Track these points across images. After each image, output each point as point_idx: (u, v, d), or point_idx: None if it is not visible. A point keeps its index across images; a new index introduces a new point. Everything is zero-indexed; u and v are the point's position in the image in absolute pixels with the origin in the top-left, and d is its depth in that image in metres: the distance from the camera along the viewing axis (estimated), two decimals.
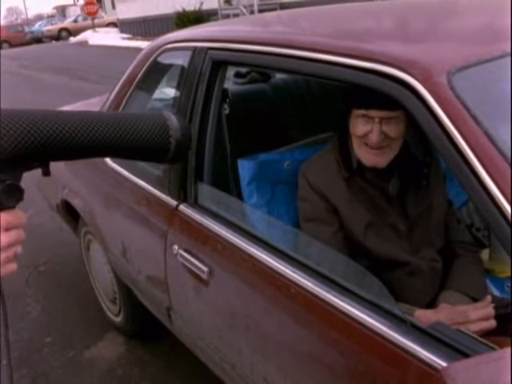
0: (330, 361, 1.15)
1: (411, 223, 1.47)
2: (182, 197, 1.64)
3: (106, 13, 29.13)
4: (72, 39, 24.64)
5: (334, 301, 1.12)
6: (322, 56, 1.19)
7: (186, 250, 1.55)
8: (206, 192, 1.59)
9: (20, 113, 0.77)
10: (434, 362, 0.92)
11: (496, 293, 1.56)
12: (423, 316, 1.21)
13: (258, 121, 1.88)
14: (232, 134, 1.77)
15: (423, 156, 1.52)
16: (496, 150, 0.90)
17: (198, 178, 1.59)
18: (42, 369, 2.33)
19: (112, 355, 2.37)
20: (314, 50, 1.22)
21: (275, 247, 1.31)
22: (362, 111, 1.35)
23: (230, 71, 2.00)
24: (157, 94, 2.11)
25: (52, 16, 42.47)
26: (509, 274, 1.58)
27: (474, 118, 0.93)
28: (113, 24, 25.49)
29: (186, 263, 1.53)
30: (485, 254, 1.72)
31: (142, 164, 1.86)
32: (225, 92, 1.71)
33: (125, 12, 21.54)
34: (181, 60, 1.80)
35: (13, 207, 0.74)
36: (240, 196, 1.65)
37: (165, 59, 1.95)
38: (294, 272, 1.22)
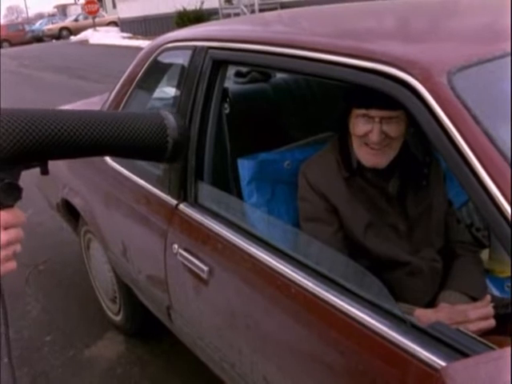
0: (329, 360, 1.15)
1: (411, 223, 1.47)
2: (182, 196, 1.64)
3: (106, 12, 29.15)
4: (73, 38, 24.63)
5: (334, 300, 1.12)
6: (323, 56, 1.19)
7: (185, 250, 1.55)
8: (206, 191, 1.59)
9: (19, 112, 0.77)
10: (434, 361, 0.92)
11: (496, 293, 1.56)
12: (423, 315, 1.21)
13: (259, 120, 1.88)
14: (232, 134, 1.77)
15: (423, 156, 1.52)
16: (496, 150, 0.90)
17: (198, 178, 1.59)
18: (42, 368, 2.33)
19: (112, 354, 2.37)
20: (314, 50, 1.22)
21: (275, 247, 1.31)
22: (363, 111, 1.35)
23: (231, 71, 1.99)
24: (157, 94, 2.11)
25: (53, 15, 42.49)
26: (508, 273, 1.58)
27: (474, 117, 0.93)
28: (113, 23, 25.50)
29: (186, 262, 1.53)
30: (485, 254, 1.72)
31: (142, 163, 1.86)
32: (225, 91, 1.71)
33: (125, 11, 21.54)
34: (181, 59, 1.80)
35: (11, 206, 0.74)
36: (240, 195, 1.65)
37: (165, 58, 1.95)
38: (293, 272, 1.22)
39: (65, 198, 2.45)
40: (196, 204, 1.60)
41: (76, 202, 2.34)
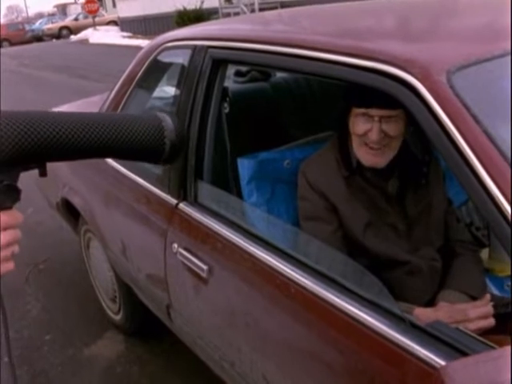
0: (329, 359, 1.15)
1: (410, 222, 1.47)
2: (182, 195, 1.64)
3: (106, 11, 29.15)
4: (73, 37, 24.61)
5: (334, 299, 1.12)
6: (323, 55, 1.19)
7: (185, 249, 1.55)
8: (206, 190, 1.59)
9: (18, 115, 0.78)
10: (433, 360, 0.92)
11: (495, 292, 1.56)
12: (422, 314, 1.21)
13: (258, 119, 1.88)
14: (232, 133, 1.77)
15: (422, 155, 1.52)
16: (495, 149, 0.90)
17: (197, 177, 1.59)
18: (42, 366, 2.33)
19: (111, 353, 2.37)
20: (314, 49, 1.22)
21: (275, 246, 1.31)
22: (362, 110, 1.35)
23: (230, 70, 1.99)
24: (157, 93, 2.11)
25: (53, 14, 42.47)
26: (508, 273, 1.58)
27: (474, 116, 0.93)
28: (113, 22, 25.49)
29: (186, 261, 1.54)
30: (484, 253, 1.72)
31: (141, 163, 1.86)
32: (225, 91, 1.71)
33: (125, 10, 21.53)
34: (181, 58, 1.80)
35: (10, 207, 0.75)
36: (240, 195, 1.65)
37: (165, 58, 1.95)
38: (293, 271, 1.22)
39: (65, 197, 2.45)
40: (196, 203, 1.60)
41: (76, 201, 2.34)
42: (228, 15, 12.89)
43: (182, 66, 1.76)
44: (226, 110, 1.75)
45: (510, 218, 0.86)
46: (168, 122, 0.93)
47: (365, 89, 1.16)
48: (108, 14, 28.38)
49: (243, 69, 2.05)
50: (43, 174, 0.82)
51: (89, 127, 0.83)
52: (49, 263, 3.25)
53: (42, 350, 2.44)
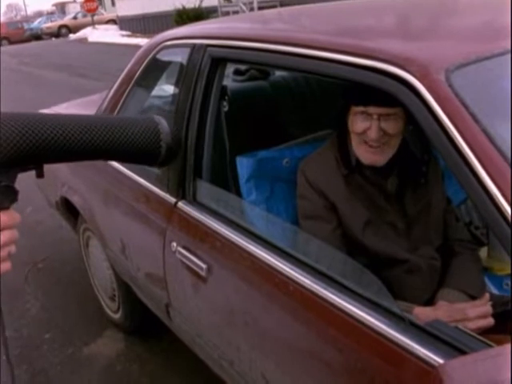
0: (328, 358, 1.15)
1: (410, 221, 1.47)
2: (181, 194, 1.63)
3: (105, 10, 29.11)
4: (72, 36, 24.59)
5: (333, 298, 1.12)
6: (322, 53, 1.19)
7: (184, 247, 1.55)
8: (205, 189, 1.59)
9: (16, 116, 0.79)
10: (432, 359, 0.92)
11: (494, 291, 1.56)
12: (421, 313, 1.21)
13: (257, 118, 1.87)
14: (231, 132, 1.77)
15: (422, 154, 1.52)
16: (494, 148, 0.90)
17: (196, 176, 1.59)
18: (41, 365, 2.34)
19: (111, 352, 2.38)
20: (313, 48, 1.22)
21: (274, 244, 1.31)
22: (361, 108, 1.35)
23: (229, 68, 1.99)
24: (156, 92, 2.10)
25: (51, 13, 42.38)
26: (507, 271, 1.58)
27: (473, 115, 0.93)
28: (112, 21, 25.44)
29: (185, 260, 1.53)
30: (483, 252, 1.72)
31: None
32: (224, 89, 1.71)
33: (124, 9, 21.49)
34: (180, 57, 1.79)
35: (7, 208, 0.75)
36: (239, 193, 1.65)
37: (164, 56, 1.95)
38: (292, 269, 1.22)
39: (64, 196, 2.45)
40: (195, 202, 1.60)
41: (75, 200, 2.34)
42: (227, 14, 12.87)
43: (181, 65, 1.76)
44: (225, 109, 1.75)
45: (509, 217, 0.85)
46: (164, 125, 0.96)
47: (363, 87, 1.16)
48: (107, 13, 28.34)
49: (242, 67, 2.04)
50: (40, 175, 0.83)
51: (86, 130, 0.84)
52: (48, 262, 3.25)
53: (41, 349, 2.44)
